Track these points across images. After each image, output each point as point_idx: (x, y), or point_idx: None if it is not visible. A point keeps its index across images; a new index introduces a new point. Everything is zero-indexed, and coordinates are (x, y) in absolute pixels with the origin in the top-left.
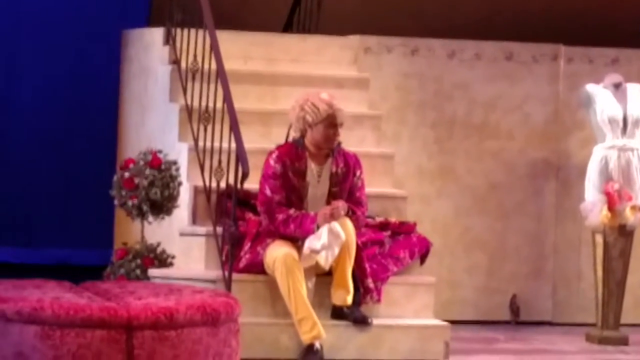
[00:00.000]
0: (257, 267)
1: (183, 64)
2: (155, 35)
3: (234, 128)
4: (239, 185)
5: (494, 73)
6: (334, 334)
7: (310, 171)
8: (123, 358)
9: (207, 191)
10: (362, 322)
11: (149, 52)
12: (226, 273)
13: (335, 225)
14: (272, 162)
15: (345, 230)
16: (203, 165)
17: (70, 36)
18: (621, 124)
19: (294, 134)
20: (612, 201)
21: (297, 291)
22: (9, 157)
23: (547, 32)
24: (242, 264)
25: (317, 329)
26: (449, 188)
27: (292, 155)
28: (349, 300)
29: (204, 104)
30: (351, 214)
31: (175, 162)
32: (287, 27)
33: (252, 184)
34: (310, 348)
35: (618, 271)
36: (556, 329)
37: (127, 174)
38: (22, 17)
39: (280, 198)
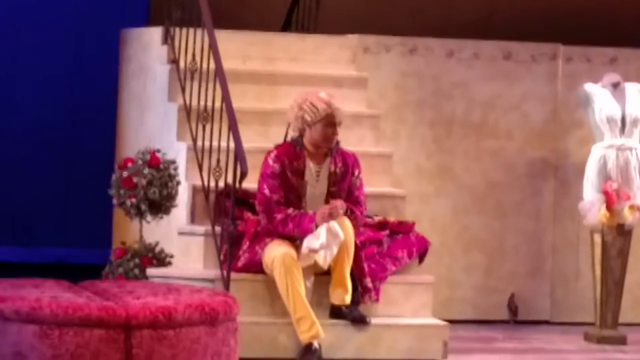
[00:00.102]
0: (256, 267)
1: (182, 64)
2: (153, 34)
3: (233, 127)
4: (237, 185)
5: (493, 72)
6: (332, 334)
7: (309, 170)
8: (121, 357)
9: (205, 190)
10: (360, 321)
11: (147, 51)
12: (225, 272)
13: (334, 224)
14: (270, 161)
15: (343, 229)
16: (202, 165)
17: (69, 35)
18: (619, 123)
19: (292, 134)
20: (610, 200)
21: (296, 290)
22: (7, 156)
23: (545, 31)
24: (240, 263)
25: (315, 328)
26: (447, 187)
27: (290, 155)
28: (348, 299)
29: (202, 103)
30: (350, 214)
31: (173, 162)
32: (286, 27)
33: (250, 183)
34: (308, 347)
35: (616, 270)
36: (554, 328)
37: (125, 173)
38: (21, 16)
39: (279, 197)
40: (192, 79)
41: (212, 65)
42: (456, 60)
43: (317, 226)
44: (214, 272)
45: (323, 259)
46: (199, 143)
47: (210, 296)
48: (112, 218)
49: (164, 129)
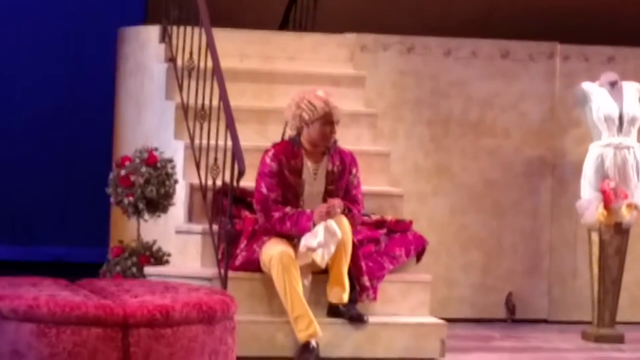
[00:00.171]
0: (253, 265)
1: (179, 62)
2: (151, 33)
3: (230, 126)
4: (235, 183)
5: (490, 71)
6: (330, 332)
7: (307, 169)
8: (119, 356)
9: (203, 189)
10: (358, 320)
11: (145, 49)
12: (222, 271)
13: (332, 223)
14: (268, 160)
15: (341, 228)
16: (199, 163)
17: (66, 34)
18: (617, 122)
19: (290, 132)
20: (608, 199)
21: (293, 289)
22: (5, 155)
23: (543, 30)
24: (238, 261)
25: (313, 327)
26: (445, 186)
27: (288, 153)
28: (345, 298)
29: (200, 101)
30: (347, 212)
31: (171, 160)
32: (284, 25)
33: (248, 181)
34: (306, 346)
35: (614, 269)
36: (552, 326)
37: (123, 172)
38: (19, 14)
39: (277, 196)
40: (189, 77)
41: (210, 64)
42: (454, 58)
43: (314, 225)
44: (212, 271)
45: (321, 258)
46: (197, 141)
47: (207, 295)
48: (109, 216)
49: (162, 127)
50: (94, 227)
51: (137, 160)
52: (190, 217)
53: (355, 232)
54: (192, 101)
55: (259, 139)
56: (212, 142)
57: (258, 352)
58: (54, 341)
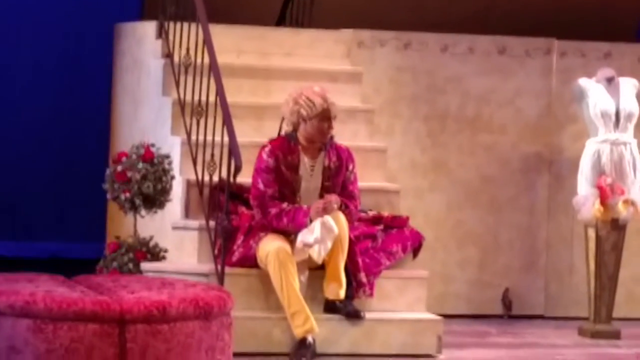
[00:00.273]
0: (250, 261)
1: (176, 58)
2: (147, 28)
3: (227, 122)
4: (231, 179)
5: (487, 67)
6: (326, 328)
7: (303, 165)
8: (115, 352)
9: (199, 185)
10: (354, 316)
11: (141, 45)
12: (219, 267)
13: (328, 219)
14: (265, 156)
15: (338, 224)
16: (196, 159)
17: (63, 30)
18: (614, 118)
19: (286, 128)
20: (604, 195)
21: (290, 285)
22: (1, 151)
23: (540, 26)
24: (234, 257)
25: (309, 323)
26: (441, 182)
27: (285, 149)
28: (342, 294)
29: (196, 97)
30: (344, 208)
31: (167, 156)
32: (280, 21)
33: (245, 177)
34: (302, 342)
35: (610, 265)
36: (548, 322)
37: (119, 168)
38: (14, 9)
39: (273, 192)
40: (186, 73)
41: (207, 60)
42: (450, 54)
43: (311, 221)
44: (208, 267)
45: (317, 254)
46: (193, 137)
47: (204, 291)
48: (106, 212)
49: (158, 123)
50: (91, 223)
51: (134, 156)
52: (187, 213)
53: (351, 228)
54: (188, 97)
55: (255, 134)
56: (209, 138)
57: (255, 348)
58: (51, 337)
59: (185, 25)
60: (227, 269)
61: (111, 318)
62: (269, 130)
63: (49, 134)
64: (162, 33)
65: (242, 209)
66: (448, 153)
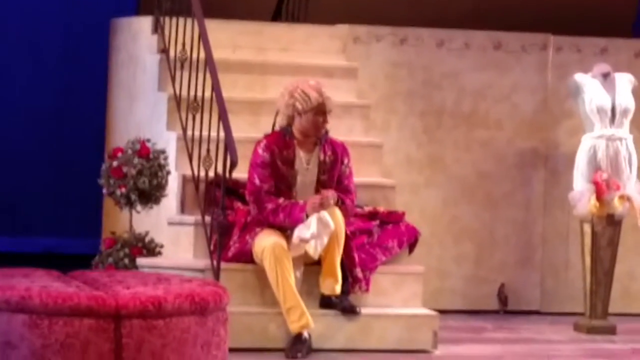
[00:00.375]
0: (246, 256)
1: (172, 53)
2: (143, 24)
3: (223, 117)
4: (227, 175)
5: (483, 62)
6: (322, 324)
7: (299, 159)
8: (111, 347)
9: (195, 180)
10: (350, 311)
11: (137, 41)
12: (214, 262)
13: (325, 214)
14: (260, 151)
15: (334, 219)
16: (191, 155)
17: (58, 25)
18: (609, 113)
19: (280, 122)
20: (600, 191)
21: (286, 280)
22: None
23: (536, 21)
24: (230, 253)
25: (305, 318)
26: (437, 177)
27: (280, 144)
28: (338, 289)
29: (192, 93)
30: (340, 204)
31: (163, 151)
32: (276, 16)
33: (240, 173)
34: (298, 337)
35: (606, 260)
36: (544, 318)
37: (115, 163)
38: (11, 4)
39: (269, 187)
40: (182, 68)
41: (202, 55)
42: (446, 50)
43: (307, 216)
44: (204, 262)
45: (313, 249)
46: (189, 133)
47: (200, 286)
48: (101, 208)
49: (154, 118)
50: (86, 219)
51: (130, 152)
52: (183, 209)
53: (347, 223)
54: (184, 92)
55: (251, 130)
56: (205, 133)
57: (250, 344)
58: (46, 332)
59: (181, 20)
60: (223, 265)
61: (107, 313)
62: (265, 125)
63: (45, 129)
64: (157, 28)
65: (238, 205)
66: (444, 148)
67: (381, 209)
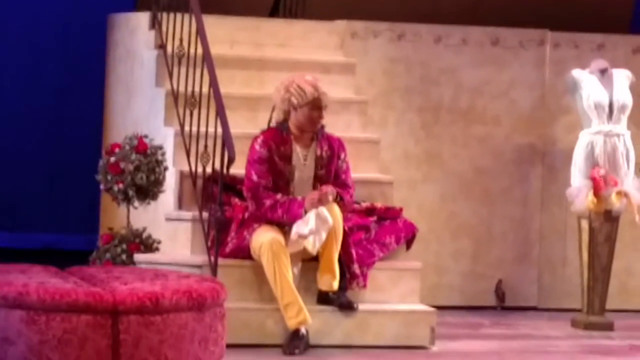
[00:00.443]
0: (244, 252)
1: (169, 49)
2: (141, 19)
3: (220, 113)
4: (225, 170)
5: (481, 58)
6: (319, 320)
7: (296, 154)
8: (108, 343)
9: (193, 176)
10: (348, 307)
11: (134, 36)
12: (212, 258)
13: (323, 210)
14: (257, 147)
15: (332, 215)
16: (189, 150)
17: (56, 20)
18: (607, 109)
19: (276, 116)
20: (597, 187)
21: (283, 276)
22: None
23: (533, 17)
24: (228, 249)
25: (303, 314)
26: (435, 173)
27: (277, 140)
28: (335, 285)
29: (190, 88)
30: (339, 200)
31: (161, 147)
32: (274, 12)
33: (238, 169)
34: (296, 333)
35: (603, 257)
36: (541, 314)
37: (113, 159)
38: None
39: (267, 183)
40: (179, 64)
41: (200, 51)
42: (444, 46)
43: (306, 212)
44: (202, 258)
45: (312, 245)
46: (187, 128)
47: (197, 282)
48: (99, 203)
49: (151, 114)
50: (84, 215)
51: (127, 147)
52: (180, 205)
53: (345, 219)
54: (182, 88)
55: (249, 126)
56: (202, 129)
57: (248, 340)
58: (44, 328)
59: (179, 16)
60: (221, 260)
61: (104, 309)
62: (263, 121)
63: (42, 124)
64: (155, 24)
65: (236, 201)
66: (441, 144)
67: (379, 204)
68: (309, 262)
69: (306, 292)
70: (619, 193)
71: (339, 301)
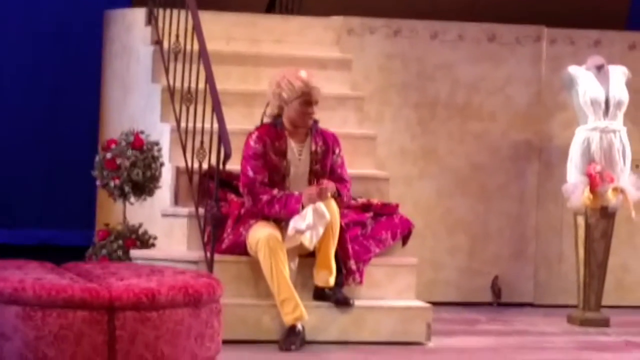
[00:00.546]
0: (240, 248)
1: (165, 45)
2: (137, 15)
3: (217, 109)
4: (221, 166)
5: (477, 54)
6: (316, 316)
7: (291, 150)
8: (104, 339)
9: (189, 172)
10: (344, 303)
11: (131, 32)
12: (208, 254)
13: (320, 205)
14: (252, 142)
15: (329, 210)
16: (185, 146)
17: (52, 16)
18: (603, 105)
19: (269, 111)
20: (594, 183)
21: (280, 272)
22: None
23: (529, 13)
24: (224, 245)
25: (299, 310)
26: (431, 169)
27: (272, 135)
28: (332, 281)
29: (186, 84)
30: (337, 196)
31: (157, 143)
32: (270, 8)
33: (234, 165)
34: (292, 329)
35: (599, 253)
36: (538, 310)
37: (109, 155)
38: None
39: (263, 178)
40: (175, 60)
41: (196, 47)
42: (440, 42)
43: (303, 207)
44: (198, 254)
45: (309, 240)
46: (183, 124)
47: (193, 278)
48: (95, 199)
49: (148, 110)
50: (80, 210)
51: (123, 143)
52: (177, 200)
53: (341, 215)
54: (178, 84)
55: (245, 122)
56: (199, 125)
57: (244, 336)
58: (40, 324)
59: (175, 12)
60: (217, 256)
61: (100, 305)
62: (259, 117)
63: (39, 120)
64: (151, 20)
65: (232, 197)
66: (438, 141)
67: (375, 201)
68: (306, 258)
69: (303, 288)
70: (615, 189)
71: (335, 297)
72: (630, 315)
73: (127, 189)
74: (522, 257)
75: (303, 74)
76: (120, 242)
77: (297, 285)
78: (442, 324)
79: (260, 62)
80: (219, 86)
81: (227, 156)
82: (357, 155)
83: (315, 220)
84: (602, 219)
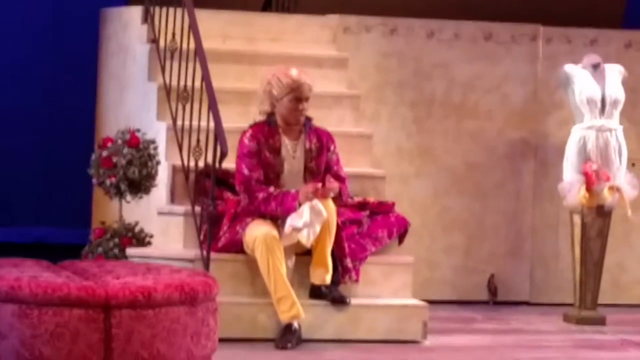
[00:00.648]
0: (236, 247)
1: (161, 43)
2: (133, 13)
3: (213, 107)
4: (217, 165)
5: (473, 53)
6: (312, 314)
7: (285, 147)
8: (101, 337)
9: (185, 170)
10: (340, 301)
11: (127, 30)
12: (204, 252)
13: (317, 203)
14: (246, 140)
15: (326, 208)
16: (181, 145)
17: (48, 14)
18: (599, 104)
19: (261, 108)
20: (590, 181)
21: (277, 270)
22: None
23: (526, 12)
24: (220, 243)
25: (295, 308)
26: (427, 168)
27: (265, 133)
28: (328, 279)
29: (182, 83)
30: (338, 196)
31: (153, 141)
32: (267, 6)
33: (230, 163)
34: (288, 327)
35: (596, 251)
36: (534, 309)
37: (105, 153)
38: None
39: (259, 175)
40: (172, 58)
41: (192, 45)
42: (437, 40)
43: (300, 204)
44: (194, 252)
45: (306, 238)
46: (179, 123)
47: (190, 276)
48: (91, 198)
49: (144, 108)
50: (76, 209)
51: (120, 142)
52: (173, 199)
53: (337, 213)
54: (174, 82)
55: (241, 120)
56: (195, 123)
57: (240, 334)
58: (36, 322)
59: (171, 10)
60: (213, 255)
61: (96, 303)
62: (255, 115)
63: (35, 118)
64: (147, 18)
65: (228, 195)
66: (434, 139)
67: (371, 199)
68: (302, 257)
69: (300, 286)
70: (611, 188)
71: (331, 295)
72: (626, 313)
73: (123, 187)
74: (518, 256)
75: (293, 71)
76: (117, 240)
77: (295, 283)
78: (438, 322)
79: (256, 61)
80: (215, 84)
81: (224, 154)
82: (353, 153)
83: (312, 218)
84: (598, 218)
